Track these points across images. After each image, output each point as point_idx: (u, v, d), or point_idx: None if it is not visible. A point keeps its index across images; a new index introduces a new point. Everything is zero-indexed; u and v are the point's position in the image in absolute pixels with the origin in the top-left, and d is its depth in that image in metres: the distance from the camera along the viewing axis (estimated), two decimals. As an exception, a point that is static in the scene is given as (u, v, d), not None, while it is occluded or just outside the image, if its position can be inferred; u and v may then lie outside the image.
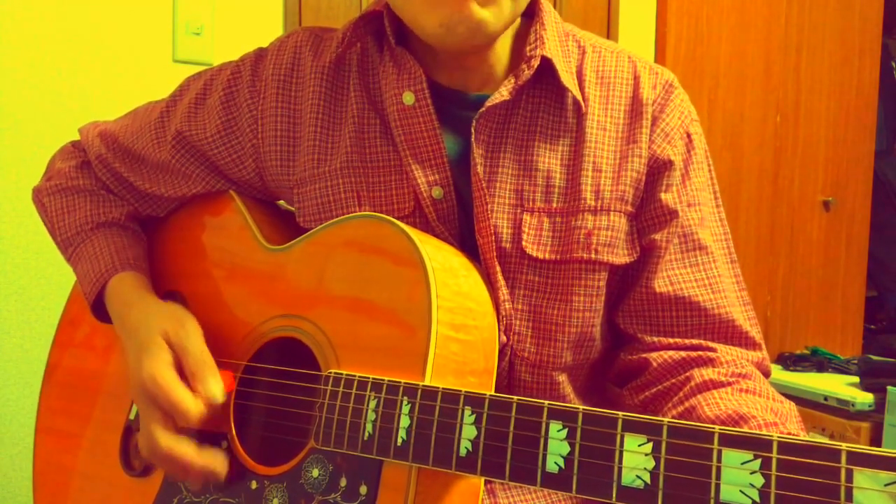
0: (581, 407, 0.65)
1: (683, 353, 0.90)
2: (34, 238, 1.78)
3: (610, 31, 2.79)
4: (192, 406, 0.81)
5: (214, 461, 0.83)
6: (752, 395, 0.83)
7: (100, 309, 1.01)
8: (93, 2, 1.85)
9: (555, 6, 2.62)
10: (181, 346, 0.86)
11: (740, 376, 0.86)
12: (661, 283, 0.91)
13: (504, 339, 0.88)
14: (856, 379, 2.76)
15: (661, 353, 0.91)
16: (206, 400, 0.82)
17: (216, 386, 0.83)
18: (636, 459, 0.61)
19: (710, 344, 0.91)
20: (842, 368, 2.95)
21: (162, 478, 0.93)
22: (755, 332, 0.94)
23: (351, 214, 0.88)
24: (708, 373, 0.86)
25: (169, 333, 0.87)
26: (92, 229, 1.04)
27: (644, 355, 0.92)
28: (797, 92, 3.34)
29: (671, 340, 0.92)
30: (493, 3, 0.84)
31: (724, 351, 0.91)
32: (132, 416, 0.99)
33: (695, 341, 0.91)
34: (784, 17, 3.26)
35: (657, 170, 0.92)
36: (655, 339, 0.92)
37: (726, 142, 3.10)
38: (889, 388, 2.40)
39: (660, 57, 2.92)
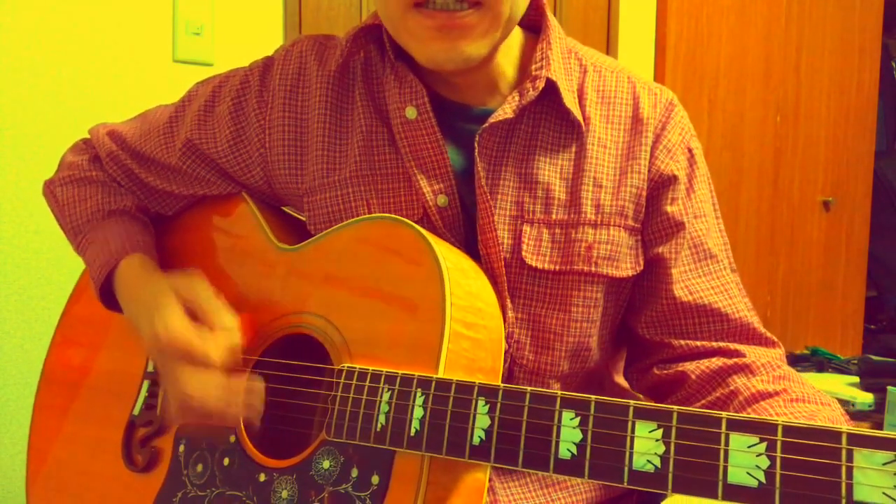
0: (593, 396, 0.67)
1: (718, 362, 0.92)
2: (34, 238, 1.77)
3: (610, 32, 2.79)
4: (211, 344, 0.82)
5: (252, 385, 0.83)
6: (803, 403, 0.84)
7: (107, 295, 1.01)
8: (93, 2, 1.85)
9: (555, 8, 2.62)
10: (189, 294, 0.87)
11: (781, 378, 0.88)
12: (682, 294, 0.93)
13: (505, 345, 0.89)
14: (856, 379, 2.76)
15: (697, 364, 0.92)
16: (225, 333, 0.83)
17: (228, 317, 0.84)
18: (647, 445, 0.64)
19: (737, 346, 0.93)
20: (842, 368, 2.95)
21: (165, 473, 0.93)
22: (769, 333, 0.97)
23: (364, 216, 0.89)
24: (753, 383, 0.88)
25: (177, 287, 0.88)
26: (103, 217, 1.04)
27: (680, 368, 0.93)
28: (797, 92, 3.35)
29: (699, 343, 0.94)
30: (481, 37, 0.85)
31: (752, 353, 0.93)
32: (137, 412, 0.99)
33: (721, 344, 0.93)
34: (784, 17, 3.27)
35: (661, 184, 0.94)
36: (683, 342, 0.94)
37: (726, 142, 3.11)
38: (889, 388, 2.40)
39: (660, 57, 2.92)
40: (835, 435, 0.58)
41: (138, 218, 1.06)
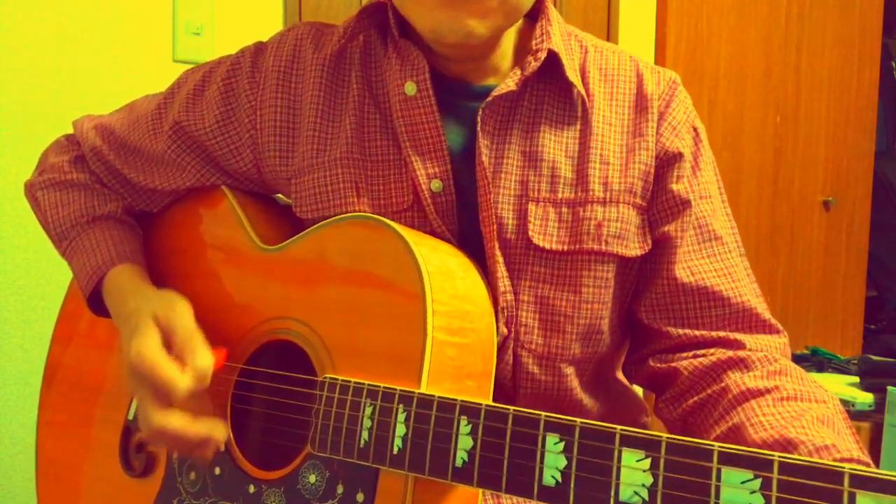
0: (578, 420, 0.64)
1: (713, 357, 0.90)
2: (34, 238, 1.77)
3: (610, 31, 2.78)
4: (179, 380, 0.80)
5: (211, 428, 0.82)
6: (794, 401, 0.82)
7: (96, 303, 1.01)
8: (93, 2, 1.85)
9: (554, 6, 2.61)
10: (169, 324, 0.85)
11: (776, 374, 0.86)
12: (683, 274, 0.92)
13: (505, 331, 0.88)
14: (856, 379, 2.75)
15: (691, 359, 0.91)
16: (194, 372, 0.81)
17: (203, 358, 0.82)
18: (634, 475, 0.61)
19: (737, 336, 0.91)
20: (842, 368, 2.94)
21: (161, 479, 0.93)
22: (774, 320, 0.94)
23: (346, 215, 0.88)
24: (744, 379, 0.86)
25: (158, 314, 0.87)
26: (88, 223, 1.03)
27: (674, 364, 0.92)
28: (797, 92, 3.34)
29: (697, 333, 0.92)
30: (487, 16, 0.84)
31: (752, 344, 0.91)
32: (131, 417, 0.99)
33: (721, 333, 0.91)
34: (784, 18, 3.26)
35: (667, 162, 0.93)
36: (682, 331, 0.92)
37: (726, 142, 3.10)
38: (889, 388, 2.40)
39: (660, 57, 2.91)
40: (836, 475, 0.54)
41: (124, 221, 1.05)
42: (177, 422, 0.81)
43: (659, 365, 0.94)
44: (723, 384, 0.87)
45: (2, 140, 1.75)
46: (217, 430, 0.82)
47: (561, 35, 0.94)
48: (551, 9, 0.96)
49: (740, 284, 0.93)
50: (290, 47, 0.98)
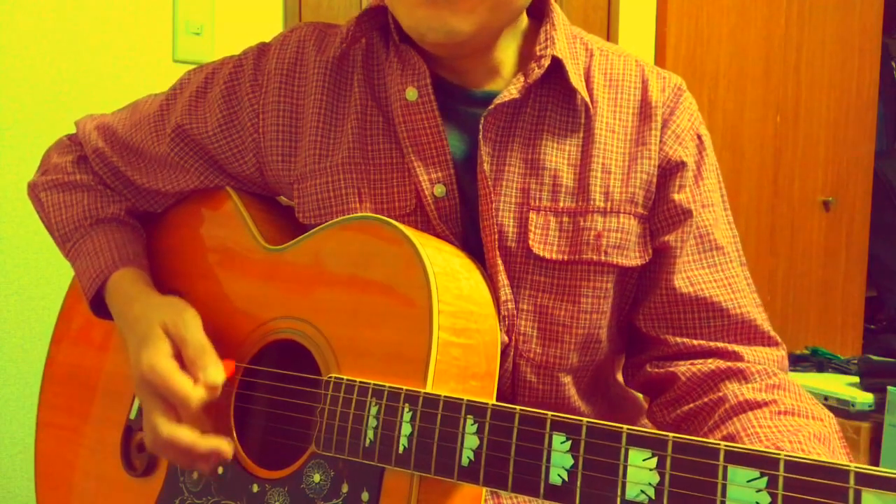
0: (585, 419, 0.64)
1: (712, 365, 0.89)
2: (34, 238, 1.77)
3: (610, 31, 2.79)
4: (192, 393, 0.81)
5: (219, 444, 0.82)
6: (791, 416, 0.82)
7: (98, 306, 1.01)
8: (93, 2, 1.85)
9: (555, 6, 2.61)
10: (179, 335, 0.85)
11: (774, 387, 0.86)
12: (682, 284, 0.91)
13: (506, 339, 0.88)
14: (856, 379, 2.75)
15: (689, 365, 0.91)
16: (206, 386, 0.82)
17: (215, 372, 0.83)
18: (641, 474, 0.61)
19: (736, 348, 0.91)
20: (842, 368, 2.94)
21: (163, 478, 0.93)
22: (773, 332, 0.94)
23: (351, 215, 0.88)
24: (742, 391, 0.86)
25: (167, 324, 0.87)
26: (91, 225, 1.03)
27: (671, 369, 0.91)
28: (797, 92, 3.34)
29: (696, 342, 0.91)
30: (470, 12, 0.84)
31: (750, 356, 0.90)
32: (133, 416, 0.99)
33: (720, 344, 0.91)
34: (784, 17, 3.26)
35: (669, 171, 0.92)
36: (680, 340, 0.92)
37: (726, 142, 3.11)
38: (889, 388, 2.39)
39: (660, 57, 2.92)
40: (842, 473, 0.54)
41: (128, 223, 1.05)
42: (186, 435, 0.81)
43: (656, 370, 0.93)
44: (720, 393, 0.87)
45: (2, 140, 1.75)
46: (224, 445, 0.83)
47: (566, 38, 0.93)
48: (557, 11, 0.95)
49: (740, 295, 0.92)
50: (293, 50, 0.98)
